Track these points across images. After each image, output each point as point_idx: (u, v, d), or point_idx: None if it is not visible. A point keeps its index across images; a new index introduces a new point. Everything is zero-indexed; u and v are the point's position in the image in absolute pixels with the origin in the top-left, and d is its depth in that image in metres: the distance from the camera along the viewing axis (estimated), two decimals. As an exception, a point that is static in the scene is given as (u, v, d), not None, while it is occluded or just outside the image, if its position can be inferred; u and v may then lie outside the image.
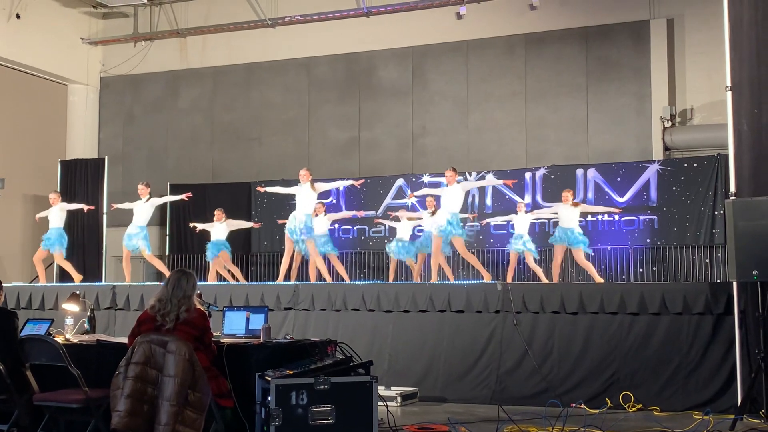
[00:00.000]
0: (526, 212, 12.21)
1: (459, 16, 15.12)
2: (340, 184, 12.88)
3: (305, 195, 11.01)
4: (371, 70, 16.05)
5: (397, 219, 12.64)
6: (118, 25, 17.63)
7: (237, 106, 16.98)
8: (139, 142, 17.57)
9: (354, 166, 15.85)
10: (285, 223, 11.33)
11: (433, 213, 11.50)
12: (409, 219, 12.53)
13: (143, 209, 12.02)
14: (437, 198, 11.43)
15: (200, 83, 17.27)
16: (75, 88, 17.54)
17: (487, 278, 10.74)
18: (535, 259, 12.09)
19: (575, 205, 11.41)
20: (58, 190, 14.29)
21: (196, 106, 17.27)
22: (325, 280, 11.21)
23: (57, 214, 12.37)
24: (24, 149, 16.18)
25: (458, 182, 10.73)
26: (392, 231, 13.47)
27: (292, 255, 11.43)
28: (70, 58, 17.18)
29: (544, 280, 11.63)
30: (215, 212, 13.04)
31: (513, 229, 12.30)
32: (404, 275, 13.38)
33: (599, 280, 11.14)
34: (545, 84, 14.82)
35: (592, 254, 12.78)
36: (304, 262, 11.80)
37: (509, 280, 11.65)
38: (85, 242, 15.52)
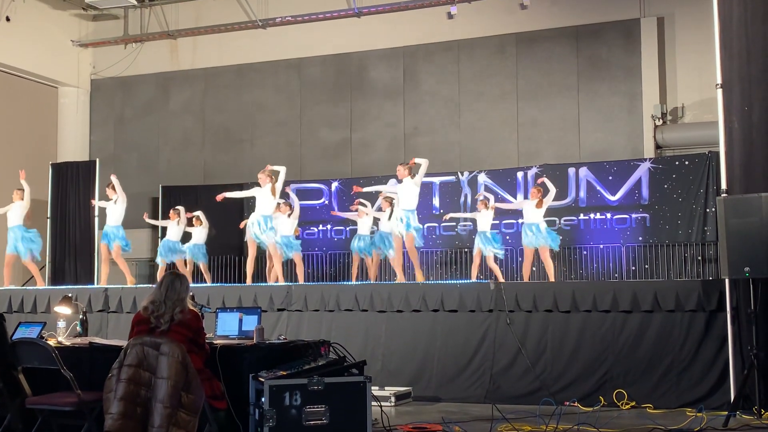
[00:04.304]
0: (489, 208, 12.01)
1: (450, 16, 15.11)
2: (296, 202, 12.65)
3: (264, 197, 11.02)
4: (362, 70, 16.04)
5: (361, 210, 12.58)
6: (108, 27, 17.57)
7: (228, 108, 16.94)
8: (130, 145, 17.52)
9: (346, 166, 15.82)
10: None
11: (391, 214, 11.30)
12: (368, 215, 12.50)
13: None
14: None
15: (191, 85, 17.23)
16: (65, 90, 17.48)
17: (400, 280, 10.72)
18: (498, 259, 12.00)
19: (540, 204, 11.38)
20: (50, 192, 14.22)
21: (188, 108, 17.23)
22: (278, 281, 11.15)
23: (18, 210, 12.04)
24: (14, 152, 16.08)
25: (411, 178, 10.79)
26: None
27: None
28: (60, 61, 17.12)
29: (501, 280, 11.53)
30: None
31: (476, 226, 12.16)
32: (388, 275, 13.31)
33: (552, 279, 11.18)
34: (536, 83, 14.83)
35: (585, 252, 12.80)
36: (289, 263, 11.83)
37: (473, 278, 11.58)
38: (77, 245, 15.46)
